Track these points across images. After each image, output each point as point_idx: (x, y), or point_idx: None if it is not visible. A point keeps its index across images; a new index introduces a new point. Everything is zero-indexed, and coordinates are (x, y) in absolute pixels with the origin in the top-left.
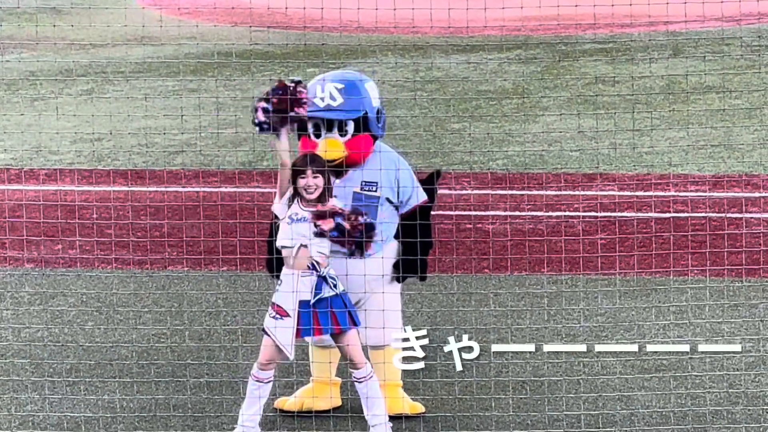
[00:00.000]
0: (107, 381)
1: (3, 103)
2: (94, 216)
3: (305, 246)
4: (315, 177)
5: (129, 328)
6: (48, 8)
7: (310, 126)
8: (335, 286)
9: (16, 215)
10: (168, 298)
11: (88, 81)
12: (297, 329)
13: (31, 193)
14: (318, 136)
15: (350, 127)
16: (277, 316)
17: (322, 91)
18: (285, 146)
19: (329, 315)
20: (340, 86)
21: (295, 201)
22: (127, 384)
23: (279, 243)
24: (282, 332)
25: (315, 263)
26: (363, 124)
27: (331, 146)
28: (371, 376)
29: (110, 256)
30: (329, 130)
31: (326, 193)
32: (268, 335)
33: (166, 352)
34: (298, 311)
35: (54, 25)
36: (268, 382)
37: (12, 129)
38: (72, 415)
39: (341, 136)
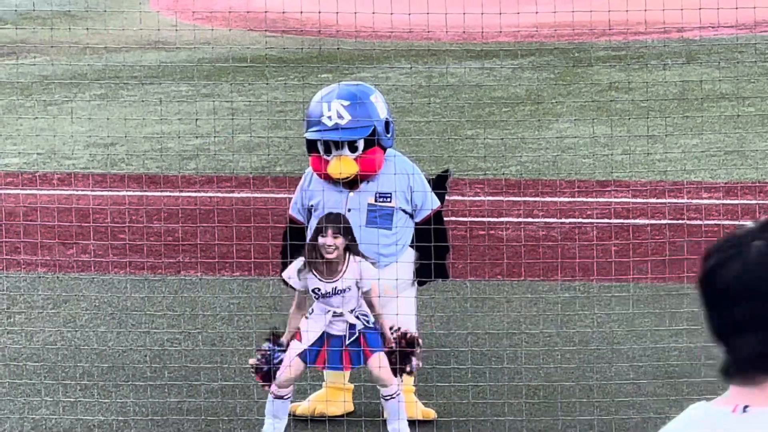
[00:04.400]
0: (120, 385)
1: (17, 107)
2: (108, 220)
3: (339, 314)
4: (335, 237)
5: (142, 332)
6: (63, 12)
7: (320, 145)
8: (368, 321)
9: (30, 219)
10: (181, 303)
11: (102, 85)
12: (324, 359)
13: (45, 197)
14: (328, 153)
15: (360, 143)
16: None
17: (329, 109)
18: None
19: (361, 352)
20: (346, 103)
21: (312, 273)
22: (140, 388)
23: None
24: (290, 352)
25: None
26: (372, 138)
27: (343, 164)
28: (399, 394)
29: (124, 260)
30: (339, 148)
31: (347, 254)
32: (290, 358)
33: (179, 357)
34: (329, 341)
35: (69, 29)
36: (288, 398)
37: (26, 133)
38: (85, 419)
39: (352, 152)
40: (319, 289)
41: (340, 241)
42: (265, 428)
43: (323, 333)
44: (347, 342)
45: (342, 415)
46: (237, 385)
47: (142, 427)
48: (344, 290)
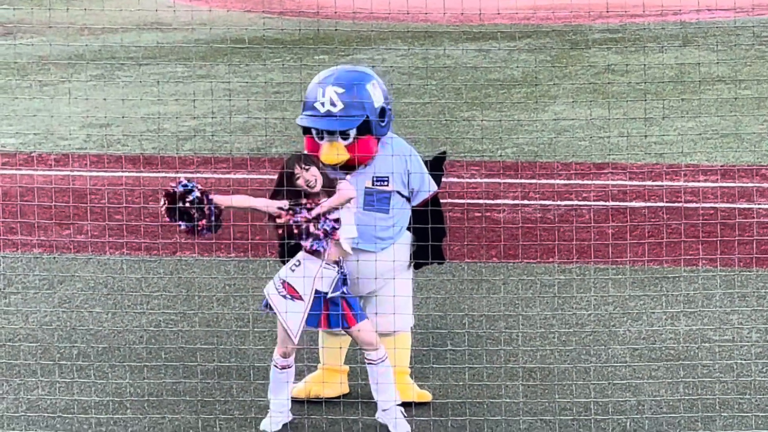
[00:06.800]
0: (116, 366)
1: (13, 87)
2: (104, 201)
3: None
4: (307, 170)
5: (138, 313)
6: None
7: (312, 129)
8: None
9: (26, 200)
10: (177, 284)
11: (99, 66)
12: (327, 321)
13: (41, 177)
14: (321, 138)
15: (352, 131)
16: (289, 296)
17: (323, 95)
18: (229, 201)
19: (341, 315)
20: (341, 90)
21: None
22: (136, 369)
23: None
24: (292, 316)
25: (341, 259)
26: (364, 127)
27: (333, 150)
28: (385, 359)
29: (120, 241)
30: (331, 134)
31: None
32: (277, 314)
33: (174, 338)
34: (312, 298)
35: (66, 9)
36: (291, 367)
37: (22, 113)
38: (80, 399)
39: (343, 139)
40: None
41: (314, 170)
42: (272, 409)
43: (321, 296)
44: (329, 294)
45: (338, 397)
46: (233, 366)
47: (138, 407)
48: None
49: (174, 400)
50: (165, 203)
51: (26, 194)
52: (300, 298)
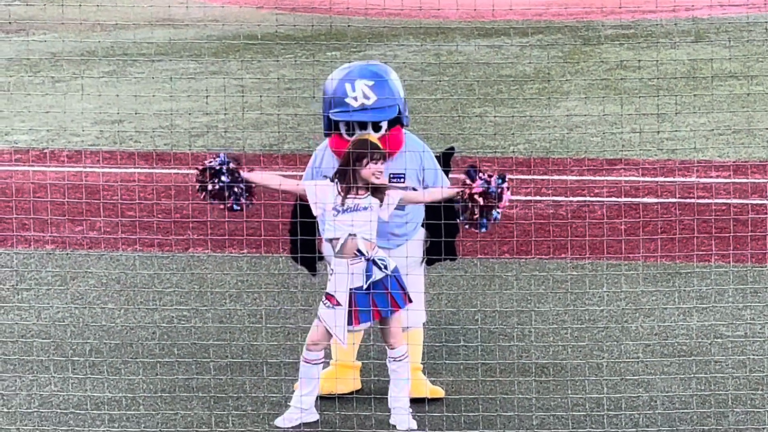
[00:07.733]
0: (128, 362)
1: (26, 84)
2: (116, 197)
3: (353, 235)
4: (376, 162)
5: (150, 309)
6: None
7: (342, 125)
8: (386, 267)
9: (39, 196)
10: (189, 280)
11: (111, 62)
12: (355, 314)
13: (54, 174)
14: (351, 134)
15: (384, 123)
16: (330, 304)
17: (353, 90)
18: (260, 178)
19: (386, 296)
20: (371, 83)
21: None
22: (148, 365)
23: (326, 236)
24: (335, 321)
25: (362, 250)
26: (395, 118)
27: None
28: (405, 357)
29: (132, 237)
30: (363, 128)
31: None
32: (322, 322)
33: (187, 334)
34: (354, 297)
35: (79, 6)
36: (319, 362)
37: (34, 110)
38: (93, 395)
39: (375, 132)
40: (342, 204)
41: (382, 165)
42: (293, 401)
43: (362, 291)
44: (365, 286)
45: (350, 393)
46: (245, 362)
47: (150, 403)
48: (365, 208)
49: (186, 396)
50: (201, 178)
51: (39, 191)
52: (339, 303)
